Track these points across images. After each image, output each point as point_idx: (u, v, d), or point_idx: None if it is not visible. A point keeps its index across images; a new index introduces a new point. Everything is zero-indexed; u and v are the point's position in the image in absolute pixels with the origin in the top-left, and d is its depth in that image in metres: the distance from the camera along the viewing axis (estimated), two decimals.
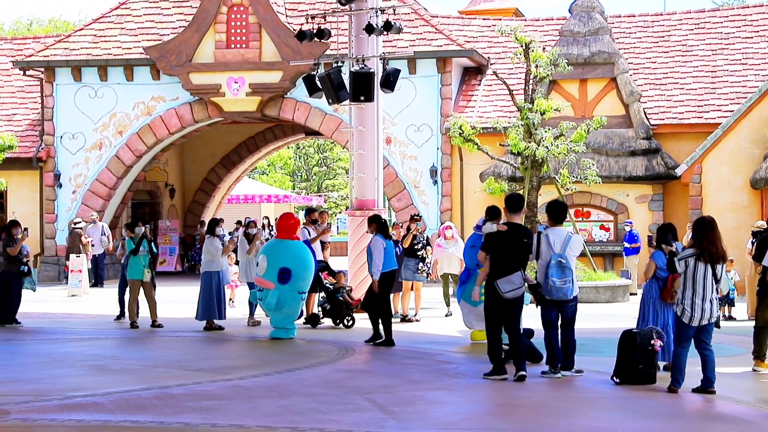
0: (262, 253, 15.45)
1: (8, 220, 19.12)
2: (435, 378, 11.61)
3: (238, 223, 32.66)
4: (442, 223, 26.49)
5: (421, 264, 17.66)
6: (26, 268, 17.52)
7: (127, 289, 17.28)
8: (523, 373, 10.98)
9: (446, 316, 18.38)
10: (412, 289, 17.84)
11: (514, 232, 11.15)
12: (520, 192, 23.82)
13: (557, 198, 13.99)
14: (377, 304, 14.56)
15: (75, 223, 26.91)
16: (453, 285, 18.42)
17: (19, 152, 27.06)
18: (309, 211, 18.86)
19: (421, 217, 19.09)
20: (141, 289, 16.91)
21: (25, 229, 17.68)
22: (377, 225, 14.99)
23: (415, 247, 17.68)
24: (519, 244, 11.14)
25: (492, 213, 12.73)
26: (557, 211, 11.59)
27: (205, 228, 18.61)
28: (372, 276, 14.66)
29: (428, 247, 17.99)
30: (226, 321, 16.65)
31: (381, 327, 14.51)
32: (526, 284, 11.20)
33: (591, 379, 11.18)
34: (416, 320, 17.71)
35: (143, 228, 17.13)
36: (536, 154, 22.18)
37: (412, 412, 9.52)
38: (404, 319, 17.66)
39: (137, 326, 16.71)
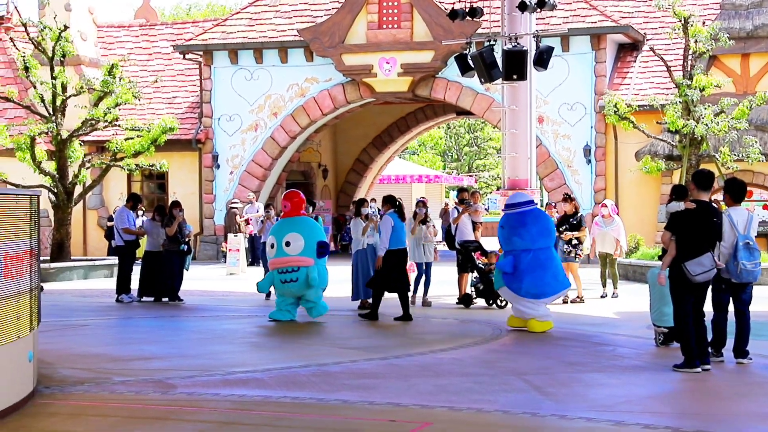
0: (294, 231, 14.73)
1: (170, 201, 19.71)
2: (592, 360, 11.43)
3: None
4: (597, 203, 26.10)
5: (566, 246, 17.35)
6: (186, 247, 18.02)
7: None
8: (707, 367, 10.38)
9: (602, 297, 18.08)
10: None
11: (703, 211, 10.40)
12: (679, 170, 23.23)
13: (735, 176, 13.30)
14: (395, 280, 14.80)
15: (232, 203, 27.59)
16: (609, 265, 18.11)
17: (179, 134, 27.82)
18: (460, 190, 18.89)
19: (569, 198, 18.41)
20: None
21: (180, 210, 18.14)
22: (391, 205, 15.31)
23: (559, 229, 17.43)
24: (709, 223, 10.39)
25: (679, 192, 12.28)
26: (737, 190, 10.99)
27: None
28: (377, 253, 15.03)
29: (571, 231, 17.48)
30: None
31: (399, 303, 14.84)
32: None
33: (758, 364, 10.80)
34: (578, 300, 17.40)
35: (310, 208, 17.37)
36: (695, 131, 21.57)
37: (569, 393, 9.39)
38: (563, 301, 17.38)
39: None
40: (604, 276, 18.27)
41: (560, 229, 17.27)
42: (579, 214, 17.85)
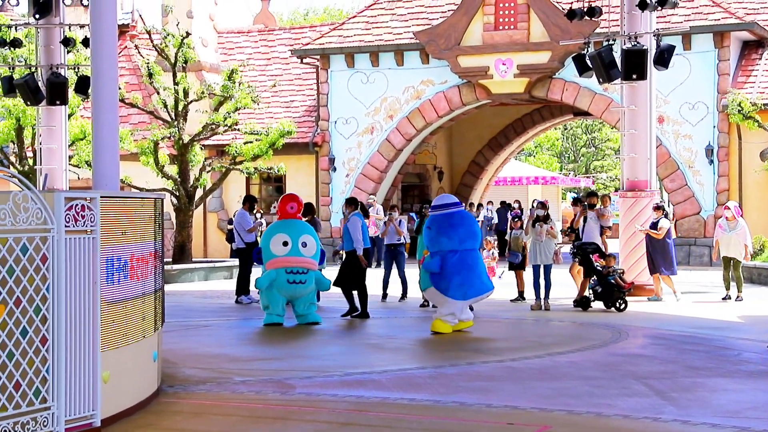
0: (308, 233, 14.79)
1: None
2: (715, 364, 11.15)
3: (502, 203, 32.69)
4: (719, 204, 25.47)
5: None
6: None
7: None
8: None
9: (723, 299, 17.64)
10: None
11: None
12: None
13: None
14: (355, 278, 15.30)
15: None
16: (734, 268, 17.65)
17: (296, 137, 28.20)
18: (588, 195, 18.56)
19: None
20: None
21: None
22: (354, 206, 15.93)
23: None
24: None
25: None
26: None
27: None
28: (344, 252, 15.56)
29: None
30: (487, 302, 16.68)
31: (357, 300, 15.47)
32: None
33: None
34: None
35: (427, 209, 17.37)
36: None
37: (692, 398, 9.18)
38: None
39: (426, 305, 16.94)
40: (728, 279, 17.82)
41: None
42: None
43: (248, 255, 18.65)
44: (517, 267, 17.59)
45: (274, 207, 15.01)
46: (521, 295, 17.73)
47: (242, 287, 18.50)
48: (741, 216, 18.18)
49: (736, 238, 17.55)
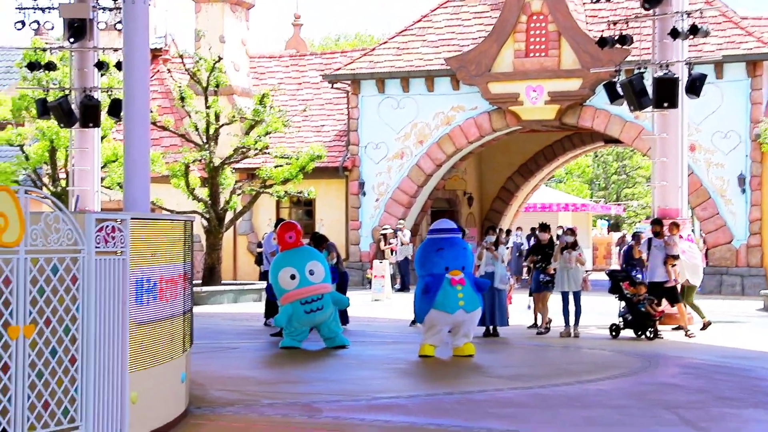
0: (313, 260, 14.64)
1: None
2: (747, 395, 11.03)
3: (532, 229, 32.53)
4: (751, 234, 25.24)
5: (542, 275, 16.77)
6: None
7: None
8: None
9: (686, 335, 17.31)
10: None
11: None
12: None
13: None
14: None
15: (383, 229, 27.84)
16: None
17: (326, 162, 28.28)
18: (654, 222, 17.85)
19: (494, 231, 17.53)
20: None
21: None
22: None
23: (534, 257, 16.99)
24: None
25: None
26: None
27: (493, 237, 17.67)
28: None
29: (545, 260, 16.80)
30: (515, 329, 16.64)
31: None
32: None
33: None
34: (543, 331, 16.84)
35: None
36: None
37: (723, 429, 9.09)
38: None
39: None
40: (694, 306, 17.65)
41: (535, 258, 16.90)
42: (556, 245, 17.10)
43: None
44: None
45: (290, 237, 14.67)
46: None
47: (271, 310, 18.51)
48: (691, 241, 18.14)
49: (686, 263, 17.42)
